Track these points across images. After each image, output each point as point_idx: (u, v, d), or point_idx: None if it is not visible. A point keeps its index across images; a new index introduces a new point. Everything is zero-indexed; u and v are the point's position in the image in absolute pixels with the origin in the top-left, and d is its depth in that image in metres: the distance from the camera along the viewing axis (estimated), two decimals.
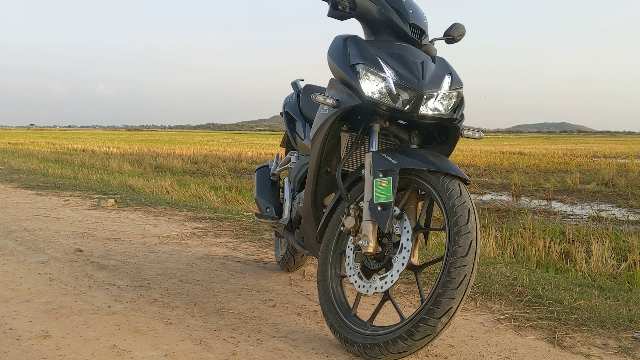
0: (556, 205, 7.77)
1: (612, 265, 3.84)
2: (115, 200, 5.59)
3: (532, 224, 5.36)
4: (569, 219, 6.38)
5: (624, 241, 4.72)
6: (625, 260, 3.99)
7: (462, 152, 20.49)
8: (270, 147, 26.39)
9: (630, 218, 6.49)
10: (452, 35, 2.16)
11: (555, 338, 2.01)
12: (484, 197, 8.49)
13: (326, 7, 2.03)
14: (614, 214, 6.84)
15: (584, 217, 6.66)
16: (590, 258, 3.95)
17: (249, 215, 5.11)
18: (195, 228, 4.21)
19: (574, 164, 15.26)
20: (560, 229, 5.23)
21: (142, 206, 5.34)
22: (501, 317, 2.23)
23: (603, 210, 7.26)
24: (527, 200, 8.26)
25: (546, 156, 19.15)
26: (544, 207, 7.53)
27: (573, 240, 4.73)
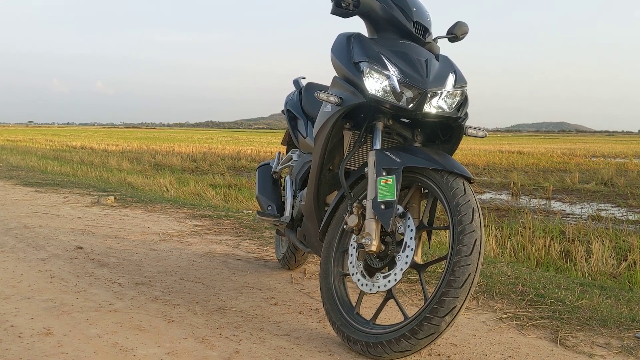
0: (555, 205, 7.78)
1: (612, 264, 3.84)
2: (115, 198, 5.58)
3: (532, 223, 5.36)
4: (568, 219, 6.39)
5: (623, 241, 4.73)
6: (625, 260, 4.00)
7: (461, 151, 20.51)
8: (269, 145, 26.38)
9: (630, 217, 6.49)
10: (455, 33, 2.15)
11: (557, 337, 2.01)
12: (484, 196, 8.49)
13: (329, 4, 2.02)
14: (613, 214, 6.85)
15: (583, 216, 6.66)
16: (590, 257, 3.96)
17: (248, 213, 5.10)
18: (196, 226, 4.20)
19: (573, 163, 15.28)
20: (560, 228, 5.24)
21: (141, 204, 5.33)
22: (503, 316, 2.23)
23: (602, 209, 7.27)
24: (527, 199, 8.27)
25: (545, 155, 19.16)
26: (543, 206, 7.54)
27: (573, 240, 4.74)
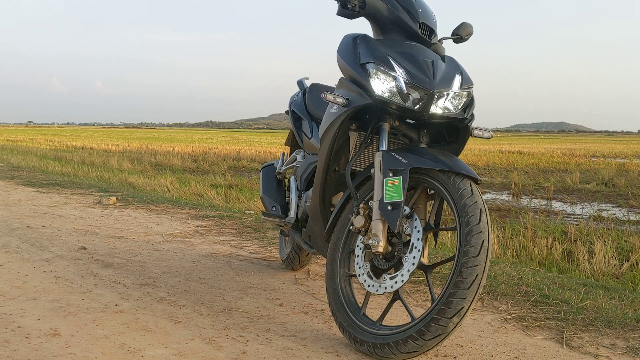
0: (557, 205, 7.79)
1: (615, 265, 3.84)
2: (117, 198, 5.58)
3: (533, 223, 5.36)
4: (569, 219, 6.39)
5: (625, 241, 4.73)
6: (628, 260, 4.00)
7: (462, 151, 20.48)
8: (269, 145, 26.37)
9: (631, 218, 6.50)
10: (460, 34, 2.15)
11: (563, 338, 2.01)
12: (485, 197, 8.49)
13: (330, 5, 2.02)
14: (614, 214, 6.85)
15: (584, 216, 6.67)
16: (592, 258, 3.96)
17: (250, 213, 5.11)
18: (198, 226, 4.21)
19: (573, 163, 15.29)
20: (562, 229, 5.24)
21: (143, 204, 5.34)
22: (508, 317, 2.23)
23: (603, 210, 7.28)
24: (528, 199, 8.28)
25: (545, 155, 19.17)
26: (544, 206, 7.54)
27: (575, 240, 4.74)
